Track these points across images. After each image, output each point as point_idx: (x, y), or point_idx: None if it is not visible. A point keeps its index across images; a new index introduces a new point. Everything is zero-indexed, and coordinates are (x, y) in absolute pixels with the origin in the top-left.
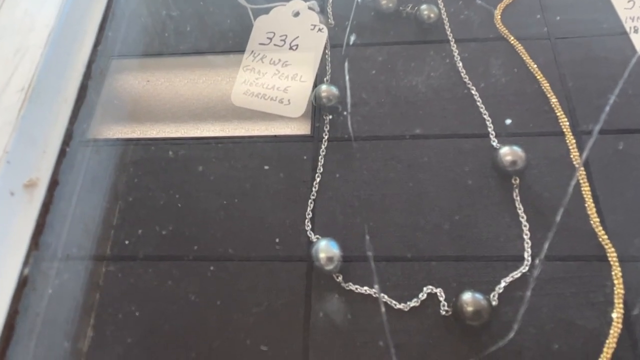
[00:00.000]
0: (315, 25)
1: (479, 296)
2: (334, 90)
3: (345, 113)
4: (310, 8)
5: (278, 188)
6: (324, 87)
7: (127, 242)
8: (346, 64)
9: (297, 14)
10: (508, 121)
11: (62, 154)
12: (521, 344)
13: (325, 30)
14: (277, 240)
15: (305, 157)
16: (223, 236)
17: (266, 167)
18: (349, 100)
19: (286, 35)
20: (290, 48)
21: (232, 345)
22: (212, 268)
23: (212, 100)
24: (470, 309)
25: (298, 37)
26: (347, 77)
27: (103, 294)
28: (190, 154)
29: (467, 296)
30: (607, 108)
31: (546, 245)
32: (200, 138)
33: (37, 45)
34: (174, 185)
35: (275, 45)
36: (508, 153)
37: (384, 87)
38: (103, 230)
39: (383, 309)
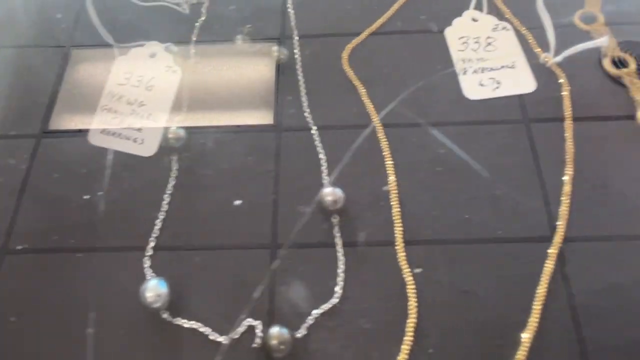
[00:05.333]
0: (169, 67)
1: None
2: (181, 132)
3: None
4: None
5: None
6: (172, 128)
7: None
8: None
9: (153, 55)
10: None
11: None
12: None
13: (179, 71)
14: None
15: None
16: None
17: None
18: None
19: (143, 76)
20: (146, 88)
21: None
22: None
23: None
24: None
25: (153, 77)
26: None
27: None
28: None
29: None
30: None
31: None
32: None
33: None
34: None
35: (132, 86)
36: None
37: None
38: None
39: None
